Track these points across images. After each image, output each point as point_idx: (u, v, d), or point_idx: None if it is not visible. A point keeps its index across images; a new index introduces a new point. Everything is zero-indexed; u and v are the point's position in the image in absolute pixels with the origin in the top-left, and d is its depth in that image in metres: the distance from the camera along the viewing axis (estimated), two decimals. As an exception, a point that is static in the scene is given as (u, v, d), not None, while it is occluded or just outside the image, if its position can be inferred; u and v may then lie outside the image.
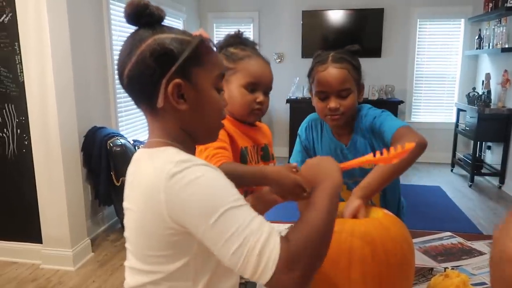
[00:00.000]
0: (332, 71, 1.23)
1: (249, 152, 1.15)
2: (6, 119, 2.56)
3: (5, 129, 2.57)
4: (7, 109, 2.54)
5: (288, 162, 1.33)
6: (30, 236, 2.66)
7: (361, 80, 1.30)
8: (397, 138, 1.15)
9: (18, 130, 2.55)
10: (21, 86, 2.48)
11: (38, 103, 2.45)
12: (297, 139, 1.45)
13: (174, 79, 0.70)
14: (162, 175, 0.64)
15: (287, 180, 0.88)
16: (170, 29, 0.73)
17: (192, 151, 0.78)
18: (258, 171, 0.94)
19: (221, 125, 0.81)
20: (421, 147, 1.11)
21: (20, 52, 2.44)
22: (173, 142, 0.74)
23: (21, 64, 2.45)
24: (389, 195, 1.41)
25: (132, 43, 0.71)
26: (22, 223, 2.67)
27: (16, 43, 2.43)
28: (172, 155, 0.69)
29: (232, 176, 0.84)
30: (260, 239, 0.60)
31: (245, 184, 1.00)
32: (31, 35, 2.39)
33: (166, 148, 0.72)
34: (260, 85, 1.12)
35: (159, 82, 0.70)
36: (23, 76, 2.46)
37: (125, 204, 0.75)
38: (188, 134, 0.76)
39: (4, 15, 2.42)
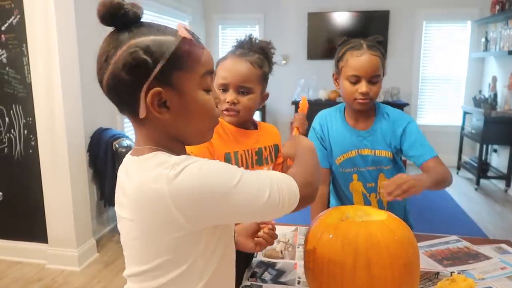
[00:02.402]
0: (368, 57, 1.30)
1: (240, 157, 1.15)
2: (14, 119, 2.58)
3: (12, 130, 2.59)
4: (14, 110, 2.57)
5: None
6: (36, 236, 2.67)
7: (385, 69, 1.38)
8: (426, 169, 1.31)
9: (25, 131, 2.58)
10: (28, 87, 2.50)
11: (45, 104, 2.47)
12: (311, 133, 1.49)
13: (153, 87, 0.66)
14: (163, 182, 0.63)
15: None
16: (149, 28, 0.68)
17: (182, 152, 0.75)
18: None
19: (214, 124, 0.78)
20: (449, 183, 1.32)
21: (27, 54, 2.46)
22: (160, 148, 0.71)
23: (29, 66, 2.47)
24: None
25: (107, 49, 0.67)
26: (28, 223, 2.69)
27: (24, 45, 2.45)
28: (164, 159, 0.67)
29: None
30: (280, 182, 0.72)
31: None
32: (39, 37, 2.41)
33: (155, 154, 0.69)
34: (230, 84, 1.13)
35: (138, 93, 0.66)
36: (30, 77, 2.48)
37: (119, 212, 0.73)
38: (176, 139, 0.74)
39: (13, 17, 2.44)
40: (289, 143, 1.00)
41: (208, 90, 0.73)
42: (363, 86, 1.31)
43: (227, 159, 1.13)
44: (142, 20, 0.70)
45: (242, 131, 1.19)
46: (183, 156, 0.67)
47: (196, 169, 0.65)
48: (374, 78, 1.32)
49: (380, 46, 1.36)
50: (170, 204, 0.63)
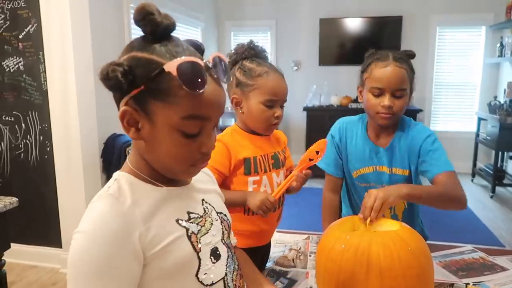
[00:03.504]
0: (393, 69, 1.24)
1: (258, 161, 1.17)
2: (30, 126, 2.63)
3: (28, 136, 2.65)
4: (30, 116, 2.62)
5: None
6: (51, 241, 2.71)
7: (414, 85, 1.32)
8: (437, 183, 1.23)
9: (41, 137, 2.62)
10: (44, 94, 2.55)
11: (61, 111, 2.52)
12: (330, 140, 1.43)
13: (128, 104, 0.65)
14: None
15: (257, 201, 1.08)
16: (165, 46, 0.65)
17: (159, 177, 0.72)
18: (240, 197, 1.12)
19: (186, 168, 0.71)
20: (456, 204, 1.22)
21: (44, 61, 2.51)
22: (134, 168, 0.72)
23: (45, 73, 2.52)
24: (411, 212, 1.42)
25: (123, 50, 0.68)
26: (43, 227, 2.73)
27: (41, 52, 2.51)
28: (105, 188, 0.69)
29: None
30: None
31: (232, 206, 1.09)
32: (55, 45, 2.46)
33: (118, 175, 0.71)
34: (278, 100, 1.15)
35: (118, 103, 0.68)
36: (46, 85, 2.53)
37: None
38: (147, 162, 0.71)
39: (30, 25, 2.50)
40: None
41: (188, 135, 0.66)
42: (385, 100, 1.24)
43: (247, 164, 1.15)
44: (172, 35, 0.68)
45: (257, 137, 1.20)
46: (106, 196, 0.67)
47: (83, 227, 0.64)
48: (398, 92, 1.25)
49: (409, 60, 1.30)
50: None
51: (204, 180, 0.85)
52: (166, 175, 0.72)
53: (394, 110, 1.25)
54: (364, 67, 1.32)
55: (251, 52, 1.16)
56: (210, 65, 0.66)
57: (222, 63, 0.70)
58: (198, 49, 0.71)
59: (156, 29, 0.65)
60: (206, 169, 0.86)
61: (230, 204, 0.98)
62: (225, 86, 0.72)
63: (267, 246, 1.29)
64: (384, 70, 1.24)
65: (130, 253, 0.63)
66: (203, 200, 0.79)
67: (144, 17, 0.64)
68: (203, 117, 0.66)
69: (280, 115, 1.16)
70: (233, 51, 1.18)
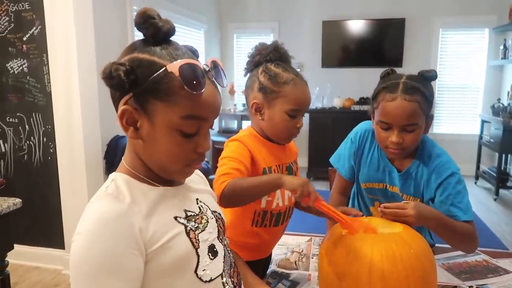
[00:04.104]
0: (401, 104, 1.09)
1: (273, 172, 1.10)
2: (33, 127, 2.64)
3: (32, 137, 2.66)
4: (34, 118, 2.63)
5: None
6: (54, 242, 2.72)
7: (432, 111, 1.16)
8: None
9: (44, 139, 2.63)
10: (48, 96, 2.56)
11: (64, 113, 2.53)
12: (347, 143, 1.36)
13: (128, 103, 0.67)
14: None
15: (299, 180, 0.89)
16: (166, 49, 0.67)
17: (154, 177, 0.73)
18: (273, 178, 0.94)
19: (183, 168, 0.73)
20: (462, 242, 1.17)
21: (48, 63, 2.52)
22: (130, 168, 0.73)
23: (49, 75, 2.54)
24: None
25: (123, 51, 0.70)
26: (46, 229, 2.74)
27: (45, 54, 2.52)
28: (103, 188, 0.70)
29: (241, 190, 0.91)
30: None
31: (261, 192, 1.00)
32: (59, 47, 2.47)
33: (115, 176, 0.72)
34: (302, 110, 1.09)
35: (117, 103, 0.69)
36: (50, 86, 2.54)
37: None
38: (143, 162, 0.72)
39: (34, 28, 2.52)
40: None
41: (186, 134, 0.68)
42: (393, 136, 1.12)
43: (264, 174, 1.09)
44: (172, 39, 0.70)
45: (274, 146, 1.13)
46: (104, 200, 0.68)
47: (83, 227, 0.65)
48: (408, 127, 1.12)
49: (426, 85, 1.14)
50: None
51: (197, 181, 0.87)
52: (162, 175, 0.74)
53: (404, 146, 1.14)
54: (374, 94, 1.20)
55: (276, 55, 1.10)
56: (208, 68, 0.71)
57: (219, 67, 0.74)
58: (194, 54, 0.74)
59: (157, 33, 0.68)
60: (197, 171, 0.88)
61: (257, 189, 0.95)
62: (221, 89, 0.73)
63: (269, 256, 1.28)
64: (391, 105, 1.11)
65: (133, 249, 0.64)
66: (197, 199, 0.81)
67: (146, 20, 0.67)
68: (201, 118, 0.69)
69: (302, 125, 1.10)
70: (254, 50, 1.12)
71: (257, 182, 0.96)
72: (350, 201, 1.50)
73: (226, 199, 0.93)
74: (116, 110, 0.69)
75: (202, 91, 0.66)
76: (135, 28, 0.70)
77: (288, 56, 1.13)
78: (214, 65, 0.72)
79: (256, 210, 1.10)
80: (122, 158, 0.76)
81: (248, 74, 1.14)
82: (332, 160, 1.43)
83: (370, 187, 1.34)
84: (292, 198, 1.13)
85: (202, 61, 0.70)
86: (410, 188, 1.24)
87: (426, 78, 1.16)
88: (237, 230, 1.10)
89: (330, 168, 1.58)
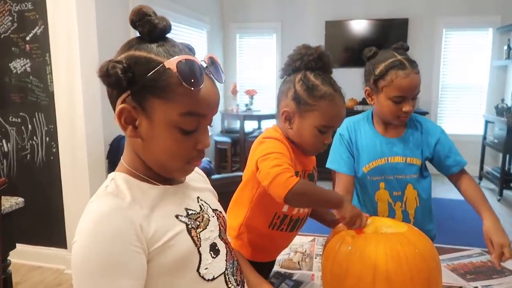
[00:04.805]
0: (414, 78, 1.27)
1: (299, 176, 1.06)
2: (36, 127, 2.65)
3: (34, 137, 2.66)
4: (37, 118, 2.63)
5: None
6: (56, 242, 2.72)
7: None
8: (458, 179, 1.38)
9: (47, 138, 2.64)
10: (50, 96, 2.57)
11: (67, 112, 2.53)
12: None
13: (126, 101, 0.66)
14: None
15: (355, 211, 0.92)
16: (163, 46, 0.67)
17: (154, 176, 0.73)
18: (337, 197, 0.94)
19: (182, 165, 0.72)
20: None
21: (50, 63, 2.53)
22: (129, 167, 0.72)
23: (51, 74, 2.54)
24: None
25: (119, 50, 0.69)
26: (48, 228, 2.74)
27: (47, 54, 2.52)
28: (103, 187, 0.70)
29: (311, 194, 0.90)
30: None
31: (321, 205, 1.00)
32: (62, 47, 2.48)
33: (114, 175, 0.71)
34: (333, 127, 1.04)
35: (115, 102, 0.68)
36: (53, 86, 2.55)
37: None
38: (143, 161, 0.72)
39: (37, 27, 2.52)
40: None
41: (186, 131, 0.68)
42: (407, 105, 1.28)
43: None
44: (168, 36, 0.70)
45: (299, 151, 1.08)
46: (103, 198, 0.67)
47: (84, 226, 0.64)
48: (416, 95, 1.32)
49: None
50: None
51: (197, 179, 0.87)
52: (162, 174, 0.73)
53: (412, 111, 1.32)
54: (378, 75, 1.30)
55: (319, 64, 1.02)
56: (205, 64, 0.70)
57: (216, 63, 0.73)
58: (191, 51, 0.73)
59: (153, 30, 0.67)
60: (197, 168, 0.87)
61: (321, 200, 0.94)
62: (223, 89, 0.72)
63: (274, 260, 1.25)
64: (406, 81, 1.26)
65: (135, 247, 0.63)
66: (198, 197, 0.80)
67: (141, 18, 0.67)
68: (200, 114, 0.68)
69: (330, 142, 1.06)
70: (296, 54, 1.05)
71: (325, 194, 0.94)
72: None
73: (295, 195, 0.88)
74: (114, 109, 0.69)
75: (201, 87, 0.66)
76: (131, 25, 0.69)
77: (331, 66, 1.05)
78: (212, 61, 0.72)
79: (277, 213, 1.05)
80: (121, 157, 0.75)
81: (285, 78, 1.08)
82: (328, 165, 1.44)
83: (373, 168, 1.38)
84: None
85: None
86: (410, 152, 1.37)
87: (405, 49, 1.35)
88: (252, 228, 1.07)
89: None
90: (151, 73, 0.64)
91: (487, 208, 1.24)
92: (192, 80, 0.65)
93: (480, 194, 1.30)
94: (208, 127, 0.74)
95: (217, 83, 0.73)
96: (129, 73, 0.64)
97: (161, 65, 0.64)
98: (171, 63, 0.64)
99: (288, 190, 0.86)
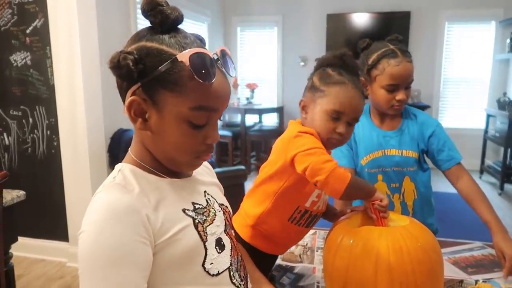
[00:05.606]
0: (406, 66, 1.28)
1: None
2: (37, 120, 2.64)
3: (35, 130, 2.66)
4: (38, 111, 2.63)
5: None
6: (58, 235, 2.73)
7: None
8: (452, 175, 1.34)
9: (48, 131, 2.64)
10: (51, 89, 2.56)
11: (67, 105, 2.53)
12: None
13: (139, 94, 0.65)
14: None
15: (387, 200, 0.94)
16: (174, 38, 0.66)
17: (162, 168, 0.72)
18: (372, 187, 0.97)
19: (191, 159, 0.72)
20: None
21: (51, 56, 2.52)
22: (137, 159, 0.72)
23: (52, 68, 2.53)
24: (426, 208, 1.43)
25: (129, 40, 0.68)
26: (50, 221, 2.75)
27: (48, 47, 2.51)
28: (110, 178, 0.69)
29: (358, 188, 0.92)
30: None
31: (360, 196, 1.00)
32: (62, 40, 2.47)
33: (122, 166, 0.71)
34: (345, 115, 0.99)
35: (124, 94, 0.67)
36: (53, 79, 2.54)
37: None
38: (151, 153, 0.71)
39: (37, 20, 2.51)
40: None
41: (196, 126, 0.67)
42: (401, 94, 1.30)
43: None
44: (179, 27, 0.69)
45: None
46: (113, 184, 0.67)
47: (95, 206, 0.64)
48: (409, 84, 1.32)
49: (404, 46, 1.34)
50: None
51: (204, 173, 0.86)
52: (170, 167, 0.73)
53: (406, 100, 1.32)
54: (370, 64, 1.32)
55: (339, 62, 1.04)
56: (217, 57, 0.68)
57: (227, 56, 0.71)
58: (202, 42, 0.72)
59: (165, 21, 0.66)
60: (205, 162, 0.86)
61: (362, 192, 0.94)
62: (230, 79, 0.72)
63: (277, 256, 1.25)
64: (398, 68, 1.27)
65: (143, 238, 0.63)
66: (205, 192, 0.80)
67: (154, 7, 0.65)
68: (211, 109, 0.67)
69: (344, 132, 1.00)
70: (325, 54, 1.10)
71: (366, 186, 0.95)
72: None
73: (351, 189, 0.89)
74: (123, 101, 0.68)
75: (213, 81, 0.64)
76: (142, 15, 0.68)
77: (356, 67, 1.05)
78: (223, 54, 0.70)
79: (299, 207, 1.04)
80: (129, 149, 0.74)
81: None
82: (337, 155, 1.43)
83: (370, 160, 1.39)
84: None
85: None
86: (406, 144, 1.38)
87: (399, 41, 1.35)
88: (271, 219, 1.05)
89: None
90: (163, 65, 0.63)
91: (493, 217, 1.25)
92: (204, 74, 0.63)
93: (480, 197, 1.30)
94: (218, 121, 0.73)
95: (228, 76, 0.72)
96: (140, 65, 0.63)
97: (173, 57, 0.63)
98: (184, 56, 0.63)
99: (347, 184, 0.88)
